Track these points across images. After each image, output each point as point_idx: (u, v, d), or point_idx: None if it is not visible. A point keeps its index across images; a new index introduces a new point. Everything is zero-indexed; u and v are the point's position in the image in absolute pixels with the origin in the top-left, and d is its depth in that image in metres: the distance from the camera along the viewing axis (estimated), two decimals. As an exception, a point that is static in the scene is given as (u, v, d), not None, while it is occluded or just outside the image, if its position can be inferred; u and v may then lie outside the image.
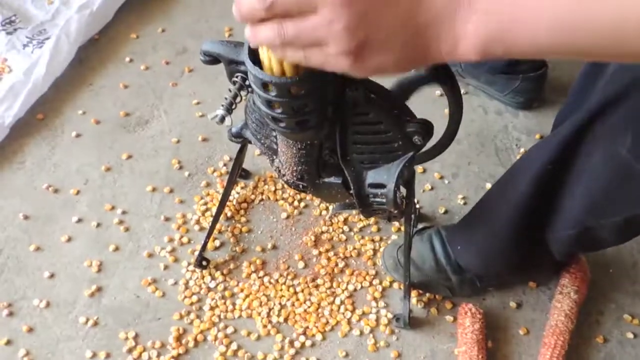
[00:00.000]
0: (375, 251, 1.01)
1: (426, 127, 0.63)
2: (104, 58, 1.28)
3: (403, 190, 0.72)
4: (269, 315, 0.95)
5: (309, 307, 0.95)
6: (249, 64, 0.53)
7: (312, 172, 0.68)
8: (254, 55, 0.53)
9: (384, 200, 0.67)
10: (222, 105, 0.61)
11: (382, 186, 0.67)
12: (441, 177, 1.10)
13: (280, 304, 0.96)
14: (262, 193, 1.08)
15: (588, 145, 0.65)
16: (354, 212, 1.04)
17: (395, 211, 0.69)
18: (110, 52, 1.29)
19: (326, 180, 0.70)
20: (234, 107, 0.62)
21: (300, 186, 0.71)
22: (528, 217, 0.77)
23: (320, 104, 0.57)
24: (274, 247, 1.02)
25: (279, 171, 0.71)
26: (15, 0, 1.32)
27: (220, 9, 1.39)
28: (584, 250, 0.92)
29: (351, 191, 0.70)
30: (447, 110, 0.66)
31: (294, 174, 0.69)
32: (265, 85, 0.53)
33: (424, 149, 0.68)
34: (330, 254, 1.01)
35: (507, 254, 0.85)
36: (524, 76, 1.13)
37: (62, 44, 1.20)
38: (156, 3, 1.39)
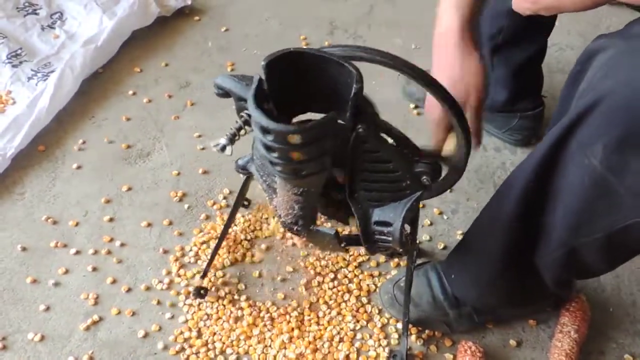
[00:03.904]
0: (374, 286, 1.01)
1: (435, 168, 0.64)
2: (107, 91, 1.30)
3: (407, 228, 0.72)
4: (265, 351, 0.94)
5: (307, 343, 0.94)
6: (251, 107, 0.54)
7: (307, 218, 0.69)
8: (259, 98, 0.54)
9: (390, 239, 0.67)
10: (226, 135, 0.63)
11: (388, 224, 0.67)
12: (440, 213, 1.11)
13: (277, 339, 0.95)
14: (260, 227, 1.08)
15: (564, 160, 0.66)
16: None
17: (401, 249, 0.69)
18: (114, 85, 1.31)
19: (320, 229, 0.70)
20: (237, 138, 0.64)
21: (295, 229, 0.71)
22: (515, 239, 0.77)
23: (316, 155, 0.57)
24: (273, 280, 1.02)
25: (276, 211, 0.72)
26: (21, 34, 1.34)
27: (223, 44, 1.42)
28: (575, 276, 0.91)
29: (343, 244, 0.71)
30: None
31: (289, 217, 0.69)
32: (263, 130, 0.54)
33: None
34: (329, 289, 1.00)
35: (498, 281, 0.85)
36: (521, 114, 1.15)
37: (67, 78, 1.22)
38: (160, 38, 1.42)
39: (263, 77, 0.56)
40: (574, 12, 0.62)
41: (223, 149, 0.63)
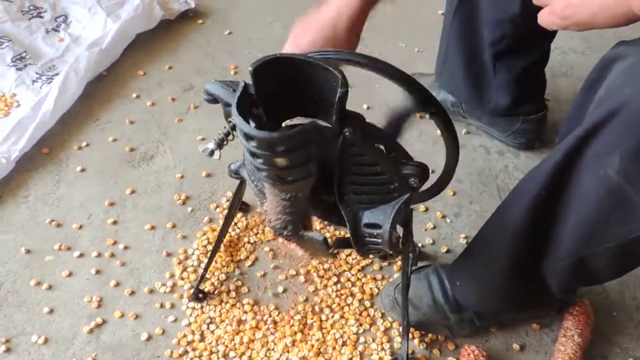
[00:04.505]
0: (377, 289, 1.01)
1: (422, 170, 0.64)
2: (111, 94, 1.31)
3: (399, 229, 0.73)
4: (268, 354, 0.94)
5: (310, 346, 0.94)
6: (234, 114, 0.55)
7: (296, 223, 0.69)
8: (245, 104, 0.55)
9: (380, 241, 0.68)
10: (214, 140, 0.63)
11: (377, 226, 0.67)
12: (443, 217, 1.11)
13: (280, 343, 0.95)
14: (262, 230, 1.08)
15: (578, 170, 0.66)
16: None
17: (391, 251, 0.69)
18: (118, 88, 1.32)
19: (309, 234, 0.70)
20: (225, 143, 0.64)
21: (284, 234, 0.71)
22: (524, 247, 0.77)
23: (300, 162, 0.58)
24: (274, 284, 1.02)
25: (267, 215, 0.72)
26: (26, 37, 1.35)
27: (226, 47, 1.43)
28: (582, 284, 0.91)
29: (331, 249, 0.71)
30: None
31: (278, 222, 0.69)
32: (247, 136, 0.55)
33: (424, 188, 0.69)
34: (332, 292, 1.00)
35: (504, 288, 0.85)
36: (524, 118, 1.15)
37: (71, 80, 1.22)
38: (164, 41, 1.42)
39: (251, 82, 0.56)
40: (606, 28, 0.60)
41: (211, 153, 0.63)
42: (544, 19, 0.64)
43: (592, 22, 0.59)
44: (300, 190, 0.64)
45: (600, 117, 0.60)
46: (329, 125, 0.59)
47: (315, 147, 0.58)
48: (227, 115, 0.65)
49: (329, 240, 0.72)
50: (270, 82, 0.57)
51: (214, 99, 0.67)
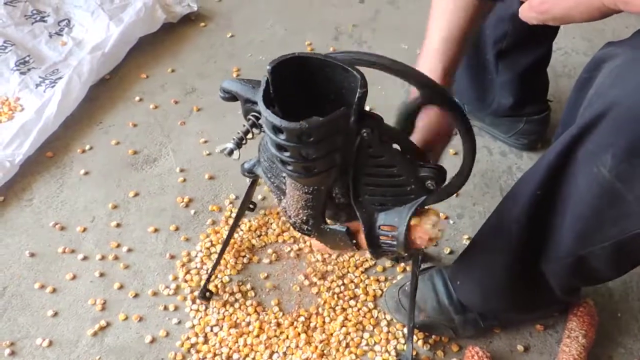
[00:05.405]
0: (381, 291, 1.01)
1: (439, 173, 0.64)
2: (114, 97, 1.31)
3: None
4: (271, 357, 0.94)
5: (314, 348, 0.94)
6: (262, 107, 0.54)
7: (318, 217, 0.69)
8: (268, 99, 0.55)
9: (395, 243, 0.67)
10: (233, 139, 0.63)
11: (393, 229, 0.67)
12: (446, 218, 1.10)
13: (283, 344, 0.95)
14: (265, 232, 1.08)
15: (572, 169, 0.66)
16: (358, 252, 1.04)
17: (405, 253, 0.69)
18: (121, 91, 1.32)
19: (331, 227, 0.70)
20: (244, 142, 0.64)
21: (305, 229, 0.71)
22: (522, 247, 0.77)
23: (328, 152, 0.58)
24: (278, 287, 1.02)
25: (286, 212, 0.72)
26: (29, 41, 1.35)
27: (229, 50, 1.43)
28: (583, 284, 0.91)
29: (354, 240, 0.71)
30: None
31: (299, 217, 0.69)
32: (275, 129, 0.54)
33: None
34: (335, 294, 1.00)
35: (505, 288, 0.85)
36: (527, 118, 1.15)
37: (74, 84, 1.23)
38: (166, 44, 1.43)
39: (269, 80, 0.56)
40: (582, 22, 0.61)
41: (230, 153, 0.63)
42: (524, 13, 0.65)
43: (568, 16, 0.61)
44: (323, 183, 0.64)
45: (591, 117, 0.61)
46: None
47: (341, 137, 0.58)
48: (247, 112, 0.65)
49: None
50: (287, 81, 0.57)
51: (231, 97, 0.66)
